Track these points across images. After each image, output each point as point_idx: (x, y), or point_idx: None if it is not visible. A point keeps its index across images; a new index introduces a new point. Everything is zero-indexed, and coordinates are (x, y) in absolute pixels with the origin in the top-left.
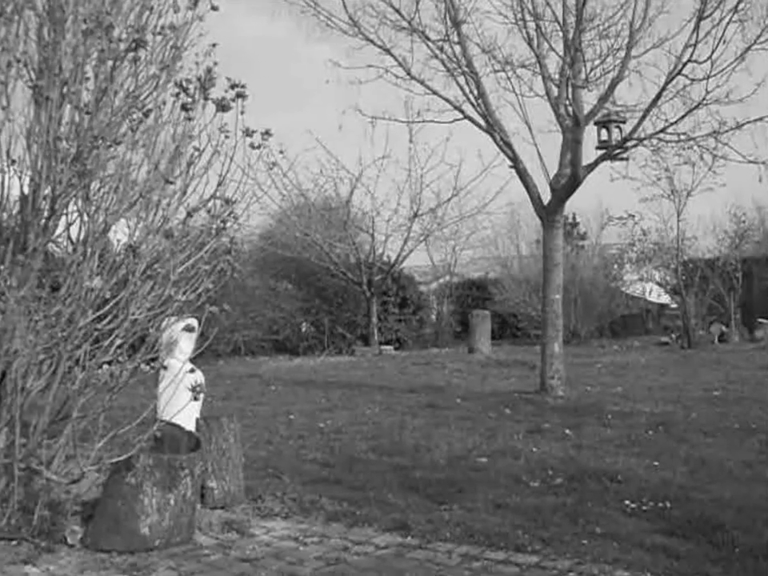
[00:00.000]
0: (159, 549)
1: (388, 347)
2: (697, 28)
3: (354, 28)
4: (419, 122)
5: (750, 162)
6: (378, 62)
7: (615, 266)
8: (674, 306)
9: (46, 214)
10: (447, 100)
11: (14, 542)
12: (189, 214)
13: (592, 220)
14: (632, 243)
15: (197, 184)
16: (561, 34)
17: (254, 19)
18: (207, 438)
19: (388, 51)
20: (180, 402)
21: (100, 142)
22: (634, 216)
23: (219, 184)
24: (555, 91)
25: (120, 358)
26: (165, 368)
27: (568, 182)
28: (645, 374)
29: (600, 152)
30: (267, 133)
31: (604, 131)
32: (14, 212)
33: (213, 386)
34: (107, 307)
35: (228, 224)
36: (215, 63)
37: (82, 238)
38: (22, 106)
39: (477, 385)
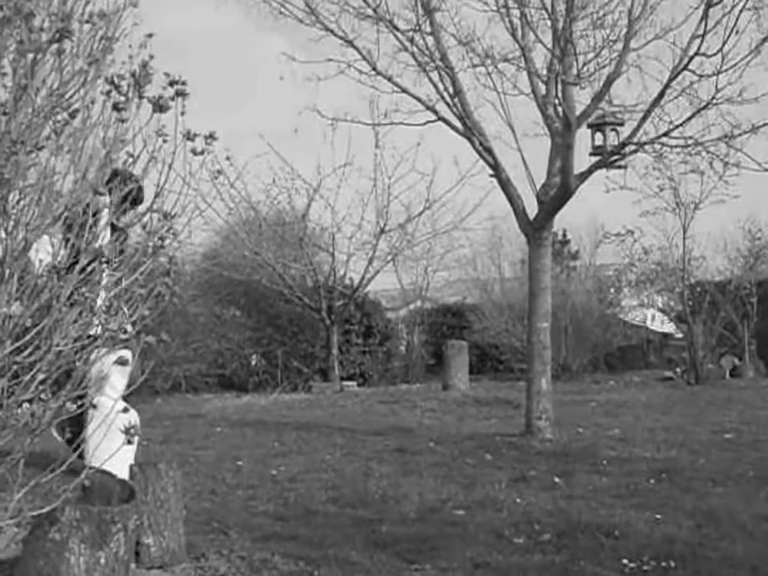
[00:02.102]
0: None
1: (350, 383)
2: (705, 16)
3: (311, 16)
4: (386, 124)
5: (767, 170)
6: (339, 55)
7: (612, 290)
8: (679, 335)
9: None
10: (418, 99)
11: None
12: (122, 230)
13: (585, 237)
14: (631, 263)
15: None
16: (549, 23)
17: (196, 8)
18: (143, 488)
19: (350, 43)
20: (112, 446)
21: (19, 146)
22: (633, 232)
23: (156, 195)
24: (543, 89)
25: (43, 396)
26: (94, 407)
27: (557, 194)
28: (645, 413)
29: (594, 159)
30: (212, 136)
31: (599, 135)
32: None
33: (149, 428)
34: (28, 337)
35: (167, 241)
36: (151, 57)
37: None
38: None
39: (452, 426)
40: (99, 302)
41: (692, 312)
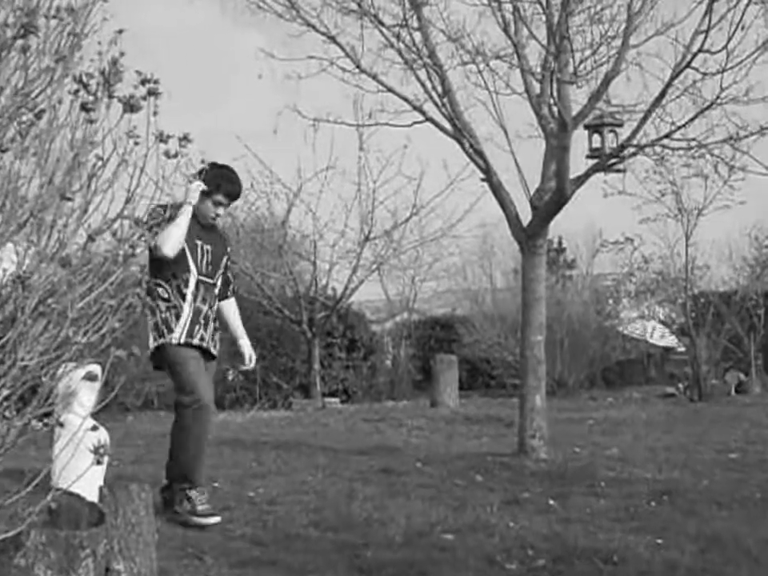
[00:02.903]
0: None
1: (333, 400)
2: (709, 11)
3: (291, 11)
4: (371, 125)
5: None
6: (320, 52)
7: (610, 301)
8: (681, 349)
9: None
10: (405, 98)
11: None
12: (90, 238)
13: (582, 245)
14: (630, 273)
15: (100, 201)
16: (543, 18)
17: (170, 3)
18: (113, 511)
19: (333, 39)
20: (80, 467)
21: None
22: (632, 240)
23: (127, 201)
24: (537, 88)
25: (7, 413)
26: (61, 425)
27: (552, 199)
28: (646, 432)
29: (591, 162)
30: (186, 138)
31: (596, 136)
32: None
33: (120, 447)
34: None
35: (138, 250)
36: (122, 54)
37: None
38: None
39: (441, 446)
40: (183, 319)
41: (695, 324)
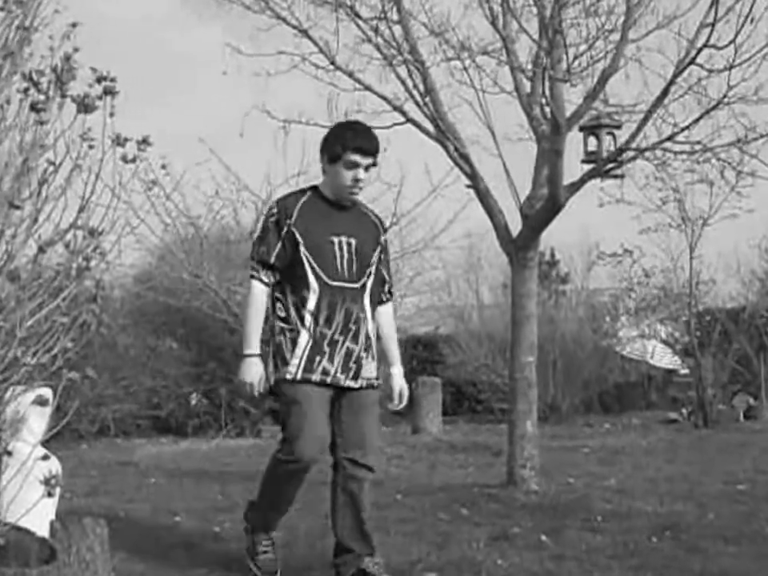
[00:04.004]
0: None
1: None
2: (715, 2)
3: (259, 2)
4: None
5: None
6: (292, 47)
7: (607, 319)
8: (685, 371)
9: None
10: (384, 98)
11: None
12: (41, 250)
13: (576, 257)
14: (629, 288)
15: (51, 209)
16: (535, 10)
17: None
18: (65, 547)
19: (305, 33)
20: (30, 499)
21: None
22: (631, 252)
23: (81, 209)
24: (527, 86)
25: None
26: (9, 453)
27: (544, 207)
28: (646, 461)
29: (587, 167)
30: (145, 141)
31: (592, 139)
32: None
33: (73, 477)
34: None
35: (93, 262)
36: (76, 49)
37: None
38: None
39: (423, 476)
40: (300, 349)
41: (700, 344)
